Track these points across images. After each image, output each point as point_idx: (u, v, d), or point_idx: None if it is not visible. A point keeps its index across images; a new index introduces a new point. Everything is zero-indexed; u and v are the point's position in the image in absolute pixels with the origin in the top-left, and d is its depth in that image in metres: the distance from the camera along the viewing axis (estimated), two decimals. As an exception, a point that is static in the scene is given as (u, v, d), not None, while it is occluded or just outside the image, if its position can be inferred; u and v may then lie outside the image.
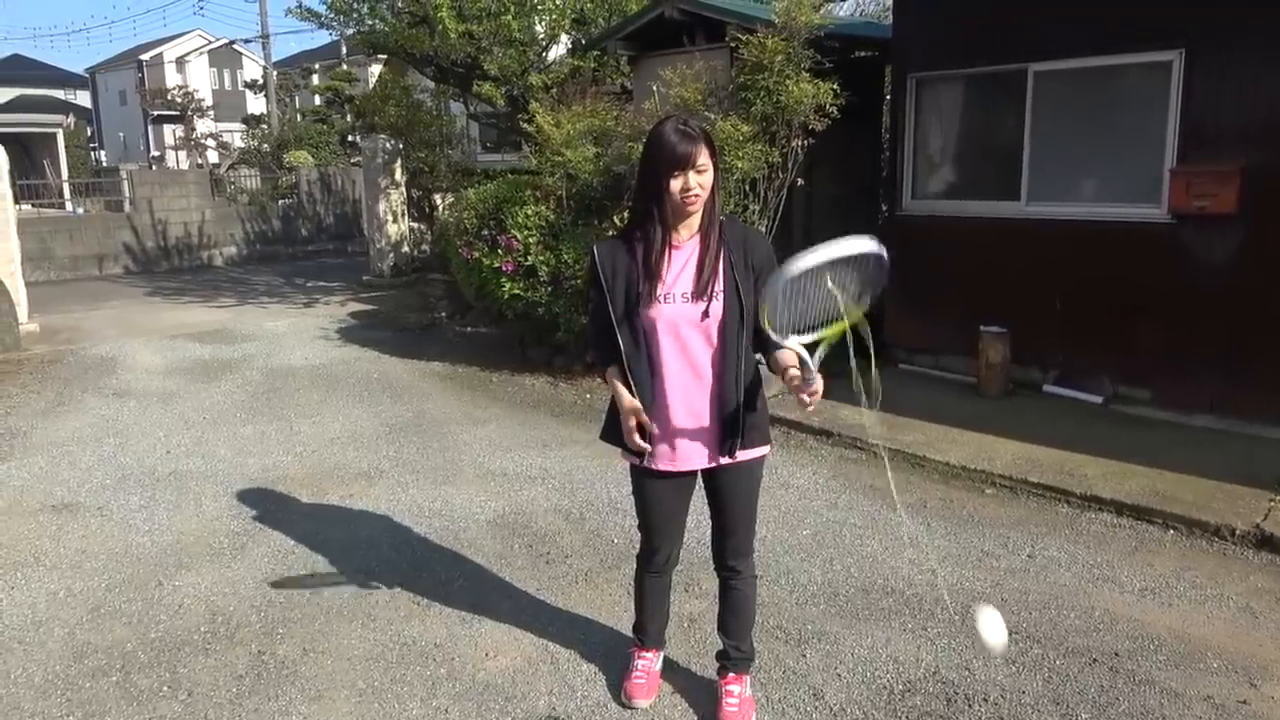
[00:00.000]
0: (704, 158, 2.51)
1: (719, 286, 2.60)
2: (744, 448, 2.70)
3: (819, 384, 2.35)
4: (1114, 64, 6.05)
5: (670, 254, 2.62)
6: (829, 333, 2.33)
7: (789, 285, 2.23)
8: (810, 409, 2.41)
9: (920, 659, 3.30)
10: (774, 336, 2.33)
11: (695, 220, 2.62)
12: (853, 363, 2.34)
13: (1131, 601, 3.73)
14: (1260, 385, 5.54)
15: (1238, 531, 4.26)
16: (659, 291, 2.60)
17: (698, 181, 2.51)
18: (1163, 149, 5.85)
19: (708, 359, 2.64)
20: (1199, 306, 5.78)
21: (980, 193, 6.88)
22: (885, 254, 2.27)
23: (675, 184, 2.51)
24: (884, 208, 8.06)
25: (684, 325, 2.61)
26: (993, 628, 2.37)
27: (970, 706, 3.03)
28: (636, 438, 2.64)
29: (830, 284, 2.24)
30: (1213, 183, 5.58)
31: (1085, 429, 5.68)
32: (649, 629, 3.10)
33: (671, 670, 3.22)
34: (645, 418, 2.64)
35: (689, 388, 2.66)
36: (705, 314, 2.60)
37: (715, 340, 2.63)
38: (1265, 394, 5.50)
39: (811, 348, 2.35)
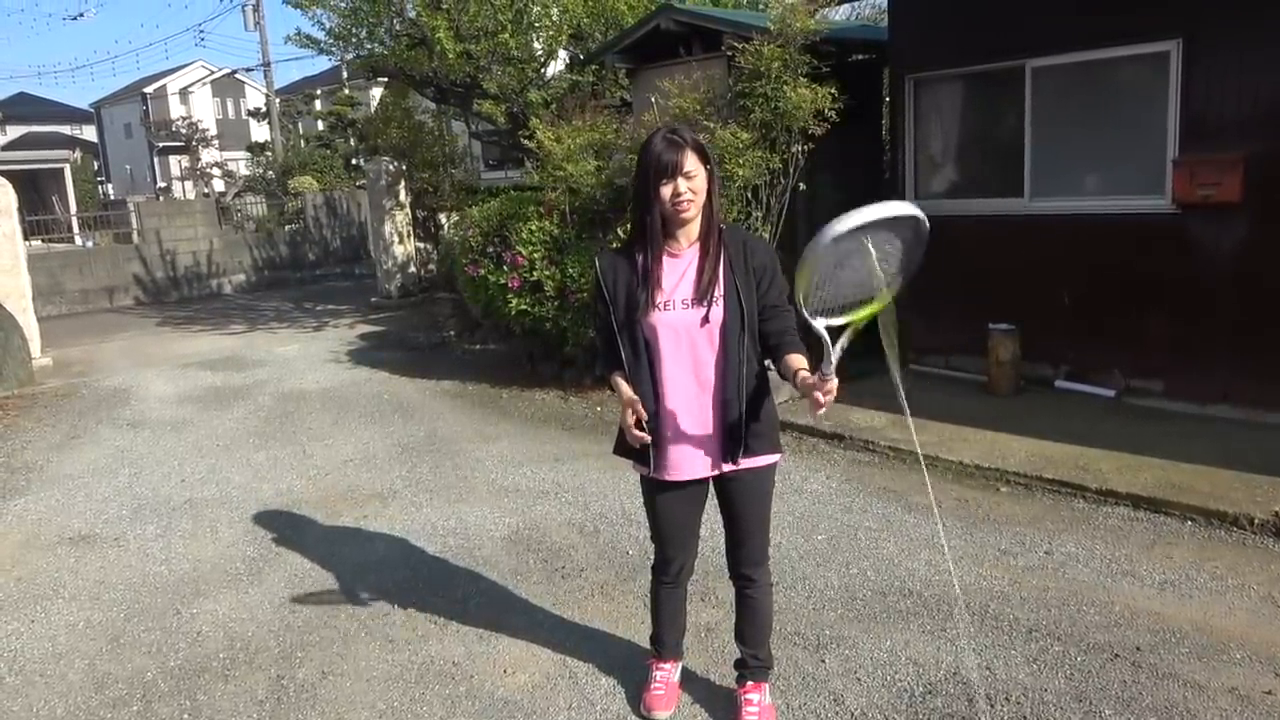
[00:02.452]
0: (691, 164, 2.53)
1: (719, 292, 2.61)
2: (750, 455, 2.69)
3: (834, 383, 2.28)
4: (1111, 57, 6.04)
5: (670, 262, 2.64)
6: (858, 316, 2.24)
7: (829, 249, 2.09)
8: (822, 410, 2.33)
9: (940, 660, 3.29)
10: (803, 313, 2.23)
11: (694, 228, 2.64)
12: (890, 354, 2.25)
13: (1151, 595, 3.70)
14: (1275, 374, 5.49)
15: (1257, 520, 4.23)
16: (659, 299, 2.62)
17: (688, 187, 2.54)
18: (1164, 140, 5.83)
19: (709, 365, 2.65)
20: (1209, 296, 5.75)
21: (983, 191, 6.87)
22: (926, 220, 2.17)
23: (665, 191, 2.54)
24: (887, 209, 8.05)
25: (684, 332, 2.63)
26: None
27: (992, 706, 3.01)
28: (635, 430, 2.62)
29: (872, 251, 2.11)
30: (1216, 172, 5.56)
31: (1098, 424, 5.65)
32: (666, 640, 3.09)
33: (690, 680, 3.21)
34: (642, 409, 2.62)
35: (691, 394, 2.67)
36: (705, 319, 2.61)
37: (716, 346, 2.63)
38: None
39: (837, 334, 2.25)
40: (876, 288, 2.20)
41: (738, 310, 2.61)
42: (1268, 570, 3.87)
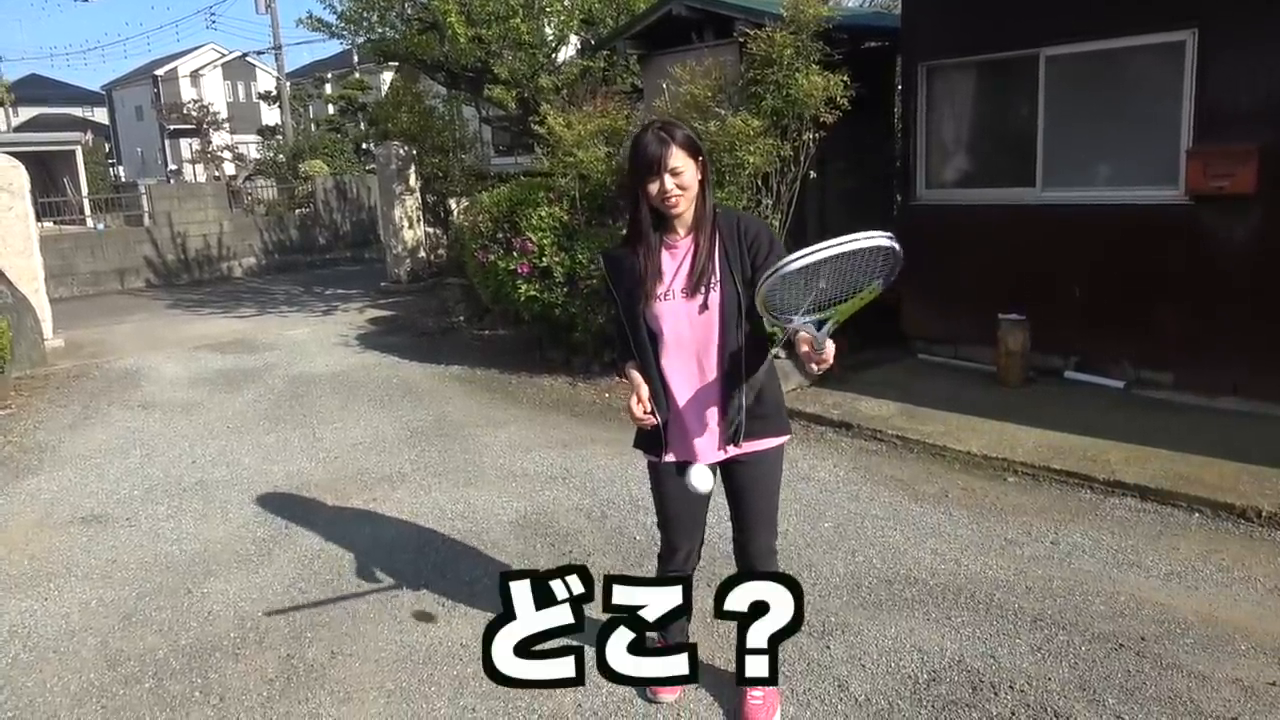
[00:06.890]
0: (677, 160, 2.54)
1: (716, 277, 2.64)
2: (754, 438, 2.72)
3: (830, 350, 2.28)
4: (1126, 46, 6.01)
5: (667, 253, 2.68)
6: (839, 311, 2.25)
7: (783, 280, 2.15)
8: (814, 377, 2.32)
9: (945, 648, 3.30)
10: (773, 317, 2.27)
11: (688, 217, 2.66)
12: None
13: (1157, 586, 3.71)
14: (1284, 366, 5.48)
15: (1264, 513, 4.23)
16: (659, 290, 2.66)
17: (674, 183, 2.55)
18: (1178, 130, 5.81)
19: (711, 350, 2.68)
20: (1220, 288, 5.73)
21: (994, 180, 6.85)
22: (896, 246, 2.14)
23: (652, 188, 2.57)
24: (898, 197, 8.04)
25: (685, 320, 2.65)
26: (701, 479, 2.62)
27: (996, 694, 3.03)
28: (638, 411, 2.65)
29: (823, 283, 2.15)
30: (1230, 163, 5.53)
31: (1107, 414, 5.64)
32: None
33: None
34: (645, 392, 2.66)
35: (695, 380, 2.70)
36: (704, 305, 2.64)
37: (716, 331, 2.66)
38: (1290, 374, 5.45)
39: (820, 323, 2.26)
40: (849, 293, 2.20)
41: (735, 293, 2.63)
42: (1274, 562, 3.87)
